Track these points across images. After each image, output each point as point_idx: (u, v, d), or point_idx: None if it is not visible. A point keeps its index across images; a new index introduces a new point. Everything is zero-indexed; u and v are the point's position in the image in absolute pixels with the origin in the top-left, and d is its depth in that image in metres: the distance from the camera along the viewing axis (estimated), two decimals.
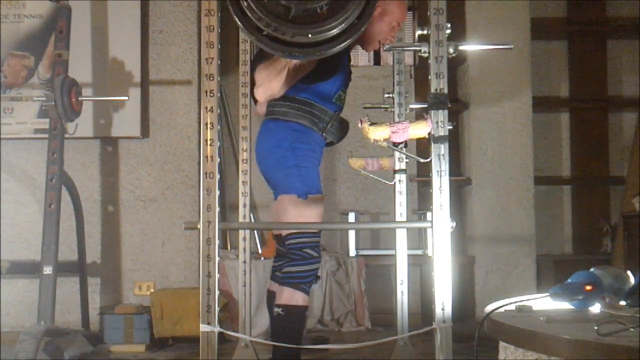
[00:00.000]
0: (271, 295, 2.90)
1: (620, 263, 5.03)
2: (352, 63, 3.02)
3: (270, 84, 2.72)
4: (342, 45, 2.17)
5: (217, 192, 2.08)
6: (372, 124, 2.07)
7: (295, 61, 2.62)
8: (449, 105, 2.03)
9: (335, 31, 2.12)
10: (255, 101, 2.88)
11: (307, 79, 2.75)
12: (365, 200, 5.41)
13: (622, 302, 2.11)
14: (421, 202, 5.38)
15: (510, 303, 2.22)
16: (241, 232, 3.57)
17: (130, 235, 4.88)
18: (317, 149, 2.82)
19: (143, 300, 4.62)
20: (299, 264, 2.68)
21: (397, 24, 2.91)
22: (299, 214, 2.69)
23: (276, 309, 2.69)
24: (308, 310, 2.76)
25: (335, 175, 5.43)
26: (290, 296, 2.67)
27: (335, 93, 2.84)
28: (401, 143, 2.12)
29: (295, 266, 2.68)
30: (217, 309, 2.04)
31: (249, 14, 2.10)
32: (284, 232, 2.78)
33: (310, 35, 2.09)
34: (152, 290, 4.63)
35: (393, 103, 3.47)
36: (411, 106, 3.53)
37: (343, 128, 2.85)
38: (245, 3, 2.08)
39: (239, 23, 2.15)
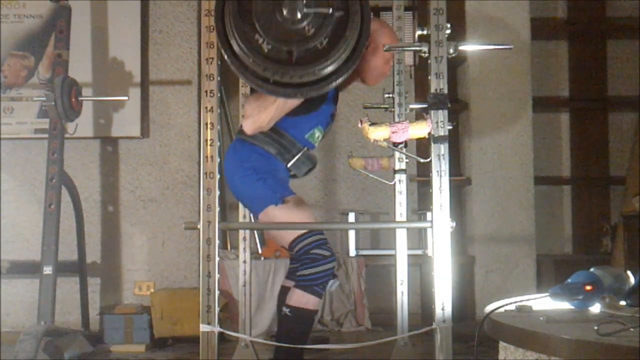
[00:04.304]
0: (283, 291, 2.84)
1: (620, 263, 5.02)
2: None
3: (259, 115, 2.66)
4: (351, 69, 2.18)
5: (217, 192, 2.08)
6: (372, 124, 2.08)
7: None
8: (449, 105, 2.03)
9: (340, 61, 2.12)
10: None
11: (291, 111, 2.71)
12: (365, 200, 5.40)
13: (622, 302, 2.11)
14: (421, 202, 5.37)
15: (510, 303, 2.22)
16: (241, 232, 3.57)
17: (130, 235, 4.88)
18: (279, 175, 2.76)
19: (143, 300, 4.61)
20: (311, 267, 2.61)
21: (390, 56, 2.89)
22: (289, 218, 2.64)
23: (284, 309, 2.64)
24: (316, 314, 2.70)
25: (335, 175, 5.42)
26: (300, 299, 2.62)
27: (310, 130, 2.78)
28: (401, 143, 2.12)
29: (307, 269, 2.62)
30: (217, 309, 2.04)
31: (254, 68, 2.09)
32: (284, 244, 2.72)
33: (316, 72, 2.10)
34: (152, 290, 4.63)
35: (393, 103, 3.47)
36: (411, 106, 3.54)
37: (310, 164, 2.79)
38: (249, 59, 2.07)
39: (243, 78, 2.15)
